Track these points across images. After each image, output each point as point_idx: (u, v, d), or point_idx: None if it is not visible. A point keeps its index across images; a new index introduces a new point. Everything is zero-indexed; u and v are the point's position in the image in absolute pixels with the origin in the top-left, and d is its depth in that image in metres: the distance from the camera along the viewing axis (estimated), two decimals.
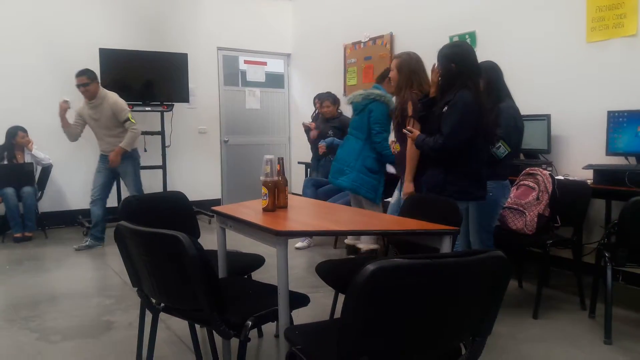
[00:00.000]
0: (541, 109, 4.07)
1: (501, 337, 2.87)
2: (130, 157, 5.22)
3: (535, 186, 3.47)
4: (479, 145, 2.95)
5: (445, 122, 2.85)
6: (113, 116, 5.05)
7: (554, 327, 3.12)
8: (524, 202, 3.46)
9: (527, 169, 3.62)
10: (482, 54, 3.87)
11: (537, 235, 3.41)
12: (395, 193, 3.66)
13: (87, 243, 5.17)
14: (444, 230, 2.19)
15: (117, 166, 5.14)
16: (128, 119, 5.08)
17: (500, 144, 3.18)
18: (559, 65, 4.17)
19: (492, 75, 3.30)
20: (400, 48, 5.79)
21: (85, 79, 4.95)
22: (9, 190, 5.31)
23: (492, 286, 1.50)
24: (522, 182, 3.58)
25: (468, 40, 4.91)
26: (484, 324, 1.56)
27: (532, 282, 3.79)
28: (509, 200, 3.56)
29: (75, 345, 2.94)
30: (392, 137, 3.79)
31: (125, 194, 5.55)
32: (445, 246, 2.16)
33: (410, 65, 3.44)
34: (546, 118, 4.02)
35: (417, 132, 3.09)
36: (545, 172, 3.52)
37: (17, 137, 5.51)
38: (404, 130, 3.18)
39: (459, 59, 2.93)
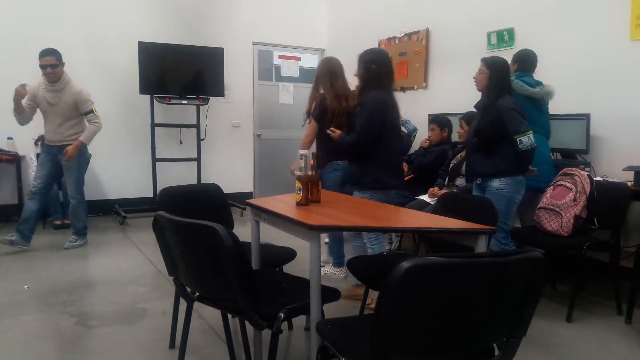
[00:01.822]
0: (580, 108, 3.98)
1: (534, 340, 2.83)
2: (79, 152, 4.76)
3: (573, 187, 3.40)
4: (391, 139, 3.25)
5: (357, 120, 3.21)
6: (74, 105, 4.64)
7: (588, 332, 3.06)
8: (560, 202, 3.39)
9: (565, 169, 3.55)
10: None
11: (573, 237, 3.34)
12: None
13: (13, 238, 4.60)
14: (479, 230, 2.16)
15: (70, 160, 4.70)
16: (92, 111, 4.70)
17: (519, 138, 3.14)
18: (600, 63, 4.06)
19: (495, 71, 3.27)
20: (436, 44, 5.75)
21: (53, 59, 4.51)
22: None
23: (528, 287, 1.48)
24: (559, 183, 3.51)
25: (506, 37, 4.83)
26: (519, 326, 1.54)
27: (566, 285, 3.72)
28: (544, 200, 3.50)
29: (111, 330, 3.03)
30: None
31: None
32: (481, 246, 2.14)
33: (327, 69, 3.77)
34: (585, 118, 3.93)
35: (338, 132, 3.38)
36: (583, 172, 3.44)
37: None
38: (327, 131, 3.46)
39: (379, 62, 3.27)
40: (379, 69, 3.25)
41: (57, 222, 5.58)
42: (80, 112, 4.71)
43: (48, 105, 4.63)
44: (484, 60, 3.34)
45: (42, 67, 4.53)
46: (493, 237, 3.24)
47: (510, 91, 3.33)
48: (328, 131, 3.46)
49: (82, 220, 4.93)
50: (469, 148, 3.48)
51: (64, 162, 4.70)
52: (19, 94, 4.45)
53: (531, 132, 3.16)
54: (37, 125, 4.89)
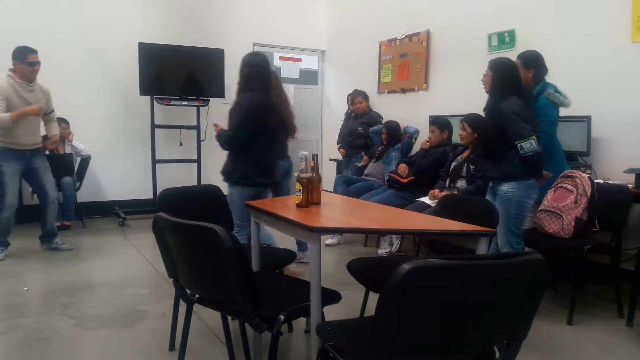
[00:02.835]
0: (581, 110, 3.97)
1: (534, 342, 2.83)
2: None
3: (574, 189, 3.39)
4: (264, 139, 3.36)
5: (232, 119, 3.33)
6: (45, 104, 4.52)
7: (589, 335, 3.05)
8: (561, 205, 3.38)
9: (566, 171, 3.54)
10: None
11: (574, 240, 3.33)
12: None
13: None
14: (480, 232, 2.16)
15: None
16: (53, 110, 4.67)
17: (519, 144, 3.06)
18: (602, 65, 4.06)
19: (499, 73, 3.23)
20: (436, 45, 5.75)
21: (38, 57, 4.35)
22: None
23: (529, 290, 1.48)
24: (559, 185, 3.50)
25: (507, 39, 4.83)
26: (520, 328, 1.53)
27: (567, 287, 3.71)
28: (545, 202, 3.49)
29: (111, 332, 3.02)
30: None
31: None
32: (481, 248, 2.13)
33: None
34: (586, 120, 3.92)
35: (220, 127, 3.47)
36: (584, 175, 3.44)
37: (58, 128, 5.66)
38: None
39: (256, 65, 3.39)
40: (255, 71, 3.37)
41: (57, 224, 5.56)
42: (46, 110, 4.57)
43: (24, 106, 4.30)
44: (490, 62, 3.31)
45: (32, 64, 4.30)
46: (506, 240, 3.22)
47: (518, 93, 3.21)
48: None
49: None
50: (479, 152, 3.46)
51: (39, 164, 4.55)
52: (36, 113, 4.32)
53: (534, 137, 3.06)
54: None
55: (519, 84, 3.26)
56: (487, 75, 3.28)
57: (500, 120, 3.13)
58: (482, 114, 3.52)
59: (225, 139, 3.36)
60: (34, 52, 4.34)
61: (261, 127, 3.31)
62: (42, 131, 4.72)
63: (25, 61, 4.29)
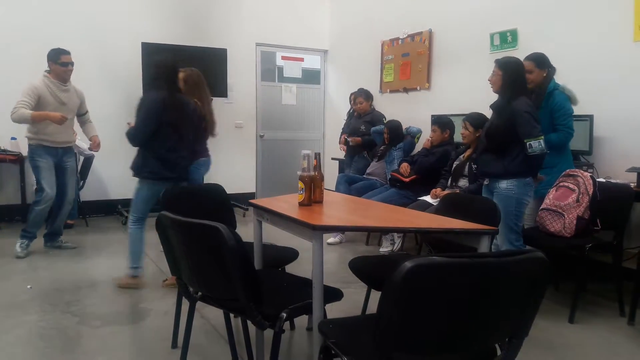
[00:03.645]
0: (584, 109, 3.96)
1: (536, 340, 2.83)
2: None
3: (576, 188, 3.39)
4: (168, 135, 3.52)
5: (136, 117, 3.51)
6: (79, 105, 4.71)
7: (590, 333, 3.05)
8: (563, 204, 3.38)
9: (568, 170, 3.54)
10: (524, 52, 3.82)
11: (576, 238, 3.33)
12: None
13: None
14: (482, 230, 2.17)
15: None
16: (87, 111, 4.84)
17: (529, 142, 3.09)
18: (604, 64, 4.05)
19: (509, 72, 3.25)
20: (439, 45, 5.75)
21: (71, 57, 4.52)
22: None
23: (531, 288, 1.48)
24: (561, 184, 3.50)
25: (509, 38, 4.83)
26: (521, 326, 1.54)
27: (569, 286, 3.71)
28: (547, 201, 3.50)
29: (114, 330, 3.03)
30: None
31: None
32: (484, 246, 2.14)
33: (193, 79, 3.95)
34: (589, 119, 3.92)
35: (132, 125, 3.60)
36: (586, 173, 3.44)
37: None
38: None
39: (160, 65, 3.62)
40: (161, 72, 3.56)
41: (71, 222, 5.58)
42: (81, 111, 4.75)
43: (59, 105, 4.46)
44: (497, 61, 3.32)
45: (65, 64, 4.46)
46: (506, 238, 3.24)
47: (526, 92, 3.28)
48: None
49: None
50: (480, 147, 3.48)
51: (69, 164, 4.69)
52: (57, 121, 4.33)
53: (542, 137, 3.11)
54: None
55: (525, 84, 3.32)
56: (496, 75, 3.29)
57: (511, 119, 3.15)
58: (486, 112, 3.53)
59: (131, 136, 3.54)
60: (67, 53, 4.50)
61: (165, 124, 3.48)
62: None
63: (58, 62, 4.44)
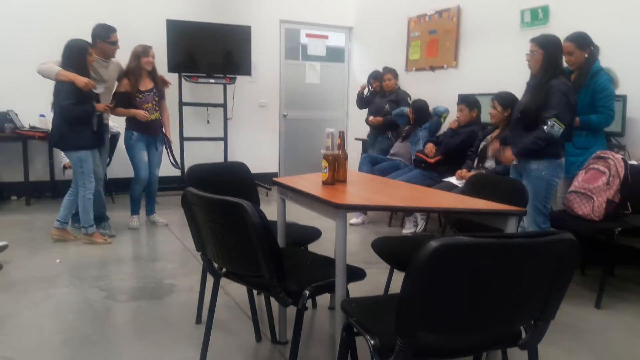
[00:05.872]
0: (617, 89, 3.84)
1: (561, 325, 2.79)
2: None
3: (606, 170, 3.31)
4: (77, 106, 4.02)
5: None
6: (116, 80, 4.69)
7: (617, 319, 3.00)
8: (592, 186, 3.31)
9: (598, 152, 3.45)
10: (556, 29, 3.70)
11: (605, 222, 3.26)
12: None
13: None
14: (509, 211, 2.12)
15: None
16: None
17: (553, 121, 3.06)
18: (638, 43, 3.90)
19: (551, 50, 3.20)
20: (467, 22, 5.61)
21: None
22: None
23: (559, 270, 1.45)
24: (591, 166, 3.42)
25: (540, 15, 4.68)
26: (547, 309, 1.51)
27: (596, 271, 3.64)
28: (575, 184, 3.42)
29: (140, 305, 3.09)
30: None
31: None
32: (510, 228, 2.09)
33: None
34: (622, 99, 3.80)
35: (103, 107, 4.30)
36: (617, 155, 3.35)
37: None
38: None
39: (71, 47, 4.10)
40: (70, 49, 4.08)
41: None
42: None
43: (97, 82, 4.39)
44: (536, 39, 3.25)
45: (114, 43, 4.48)
46: (533, 220, 3.20)
47: (563, 72, 3.25)
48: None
49: None
50: (514, 124, 3.42)
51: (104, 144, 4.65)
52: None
53: (564, 126, 3.09)
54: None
55: (562, 64, 3.28)
56: (537, 53, 3.21)
57: (547, 97, 3.11)
58: (515, 91, 3.46)
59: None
60: (114, 30, 4.51)
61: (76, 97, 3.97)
62: None
63: (108, 40, 4.46)
